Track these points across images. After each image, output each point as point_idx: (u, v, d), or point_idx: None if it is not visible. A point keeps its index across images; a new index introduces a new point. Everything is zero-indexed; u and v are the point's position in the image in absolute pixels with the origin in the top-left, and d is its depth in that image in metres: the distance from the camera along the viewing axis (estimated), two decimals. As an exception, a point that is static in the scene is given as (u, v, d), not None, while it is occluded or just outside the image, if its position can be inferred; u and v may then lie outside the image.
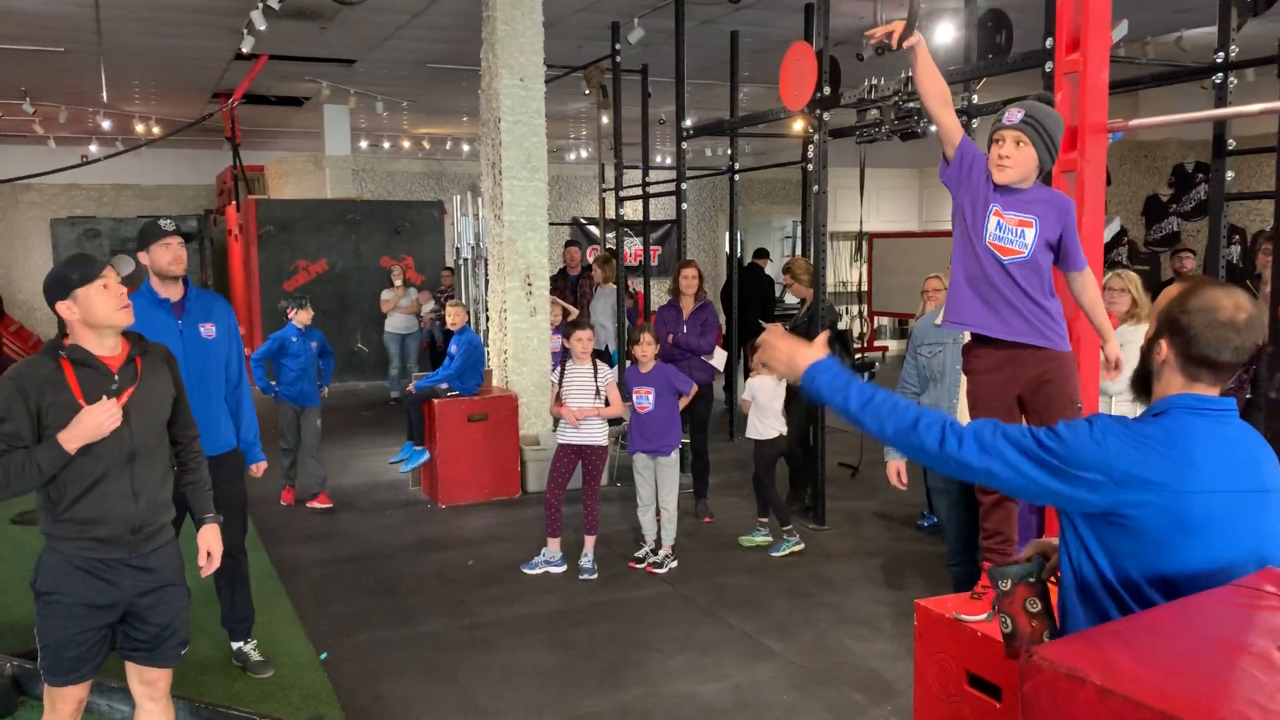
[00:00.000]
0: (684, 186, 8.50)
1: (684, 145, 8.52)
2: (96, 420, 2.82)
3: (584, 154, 18.86)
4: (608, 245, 11.41)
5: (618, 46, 8.94)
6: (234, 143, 13.43)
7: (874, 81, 6.14)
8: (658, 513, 6.12)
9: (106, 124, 14.79)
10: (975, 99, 6.45)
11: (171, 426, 3.15)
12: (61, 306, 2.90)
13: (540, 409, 8.08)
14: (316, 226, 13.89)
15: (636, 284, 11.55)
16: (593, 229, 16.29)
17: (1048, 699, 1.62)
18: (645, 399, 5.98)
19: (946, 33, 9.18)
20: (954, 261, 3.33)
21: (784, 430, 6.45)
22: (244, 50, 9.85)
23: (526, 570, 5.98)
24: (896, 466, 4.73)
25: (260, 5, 8.30)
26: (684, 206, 8.49)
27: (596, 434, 6.01)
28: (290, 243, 13.80)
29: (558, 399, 6.03)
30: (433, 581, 5.90)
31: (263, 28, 8.49)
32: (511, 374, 8.05)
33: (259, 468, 4.70)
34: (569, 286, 10.60)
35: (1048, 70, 4.49)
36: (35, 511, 7.33)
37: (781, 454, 6.61)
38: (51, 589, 2.94)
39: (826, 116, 6.47)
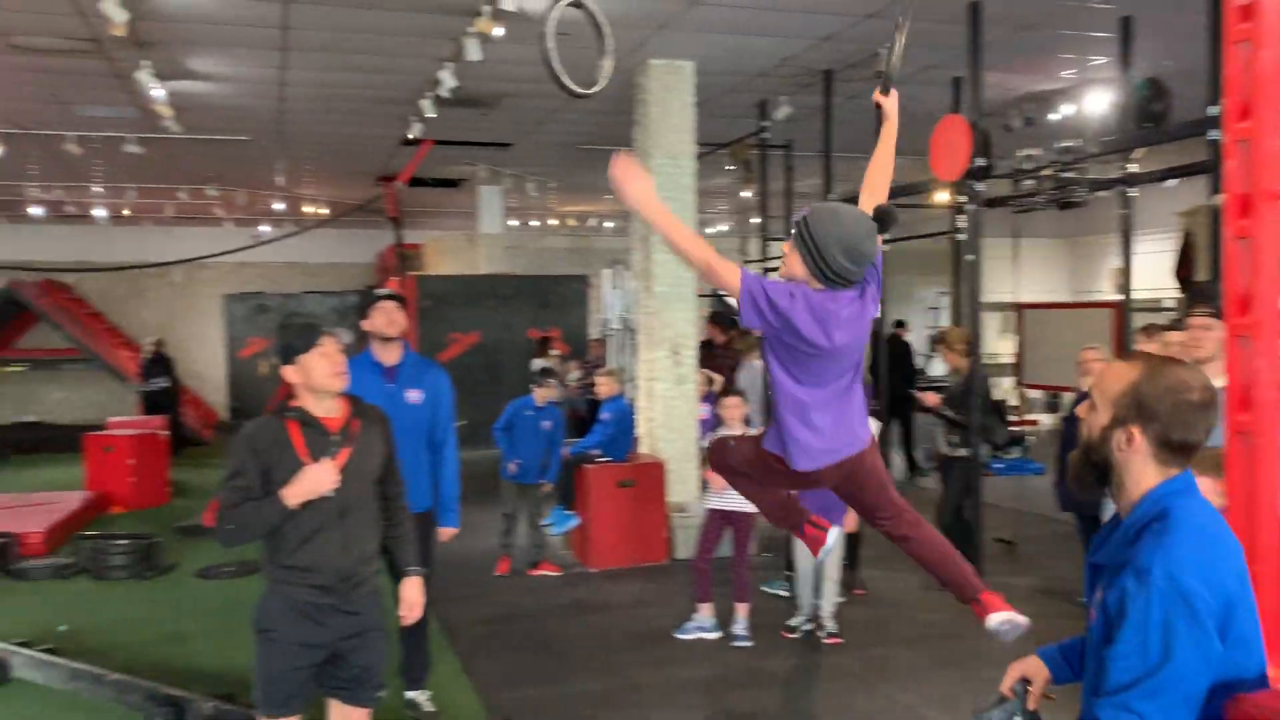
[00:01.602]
0: (832, 258, 8.59)
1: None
2: (316, 479, 3.10)
3: (724, 227, 19.16)
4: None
5: (765, 124, 9.18)
6: (397, 223, 14.21)
7: (1030, 152, 6.16)
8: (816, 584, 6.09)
9: (279, 206, 15.87)
10: (1134, 168, 6.39)
11: (382, 483, 3.40)
12: (288, 370, 3.20)
13: (687, 476, 8.20)
14: (470, 300, 14.51)
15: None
16: (732, 301, 16.47)
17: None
18: None
19: (1101, 101, 9.09)
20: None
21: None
22: (411, 136, 10.53)
23: (679, 635, 6.05)
24: None
25: (430, 95, 8.89)
26: (831, 278, 8.56)
27: (743, 500, 6.06)
28: (446, 316, 14.44)
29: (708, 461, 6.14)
30: (587, 642, 6.03)
31: (431, 115, 9.07)
32: (659, 441, 8.21)
33: (447, 533, 4.81)
34: (712, 357, 10.75)
35: (1212, 138, 4.45)
36: (218, 567, 7.79)
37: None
38: (270, 627, 3.20)
39: (980, 187, 6.51)
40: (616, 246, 17.10)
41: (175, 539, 8.72)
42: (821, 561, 5.98)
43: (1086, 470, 1.97)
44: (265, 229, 18.51)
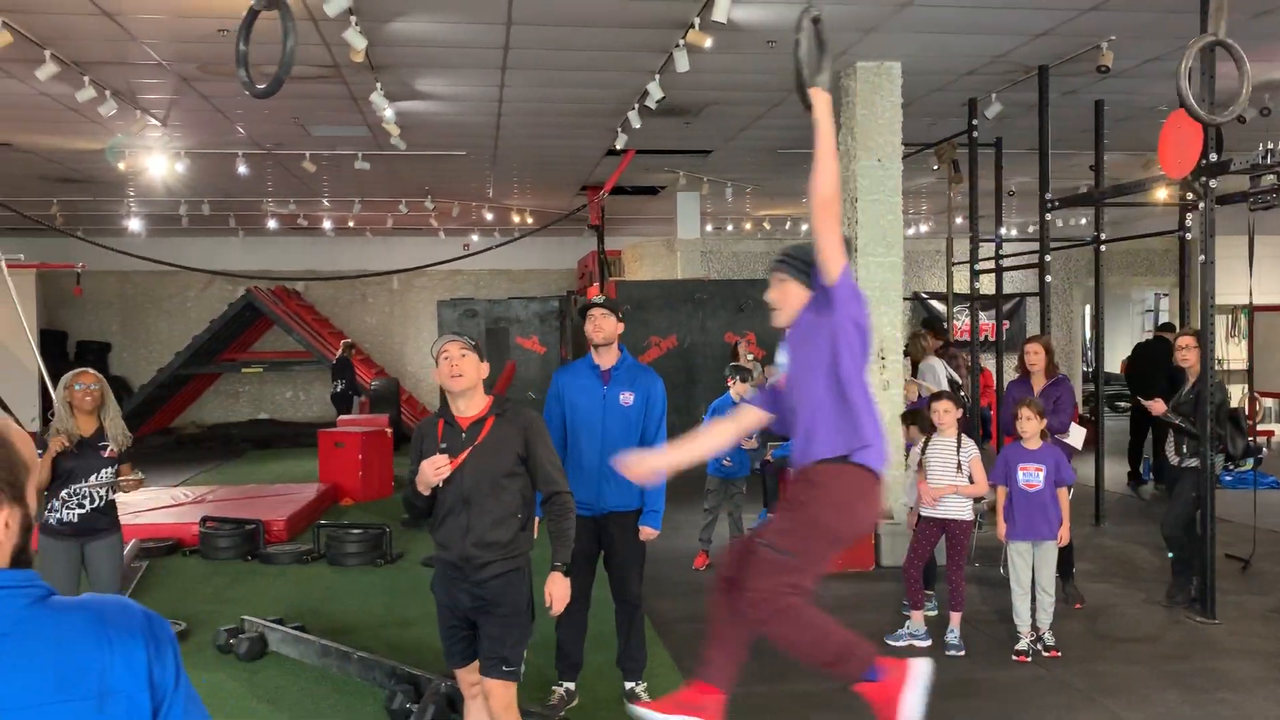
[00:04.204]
0: (1047, 259, 8.31)
1: (1047, 217, 8.34)
2: (427, 471, 3.56)
3: (923, 228, 18.72)
4: (949, 319, 11.30)
5: (975, 122, 8.96)
6: (599, 230, 14.65)
7: (1270, 145, 5.79)
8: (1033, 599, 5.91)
9: (489, 216, 16.64)
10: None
11: (534, 482, 3.71)
12: (435, 372, 3.71)
13: (892, 483, 8.09)
14: (668, 305, 14.77)
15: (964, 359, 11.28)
16: (933, 303, 16.08)
17: None
18: (1034, 476, 5.78)
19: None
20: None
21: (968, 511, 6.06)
22: (616, 147, 10.84)
23: (890, 642, 6.01)
24: None
25: (636, 106, 9.15)
26: (1047, 279, 8.28)
27: (960, 508, 5.98)
28: (644, 320, 14.75)
29: (919, 469, 6.08)
30: (797, 645, 6.07)
31: (637, 126, 9.33)
32: (865, 447, 8.13)
33: (648, 533, 4.99)
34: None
35: None
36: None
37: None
38: (434, 588, 3.77)
39: (1214, 183, 6.16)
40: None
41: (399, 530, 9.32)
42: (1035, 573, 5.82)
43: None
44: (475, 238, 19.44)
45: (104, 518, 5.20)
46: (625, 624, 5.06)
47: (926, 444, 6.06)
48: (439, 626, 3.79)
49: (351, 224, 17.33)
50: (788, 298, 3.20)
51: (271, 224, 16.87)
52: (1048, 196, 8.26)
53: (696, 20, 6.79)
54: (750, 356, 12.45)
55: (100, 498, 5.17)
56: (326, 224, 17.48)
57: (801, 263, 3.25)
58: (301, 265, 19.20)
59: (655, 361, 14.45)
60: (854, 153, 8.15)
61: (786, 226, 18.50)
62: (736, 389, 7.86)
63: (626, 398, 4.84)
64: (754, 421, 3.47)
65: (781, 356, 3.29)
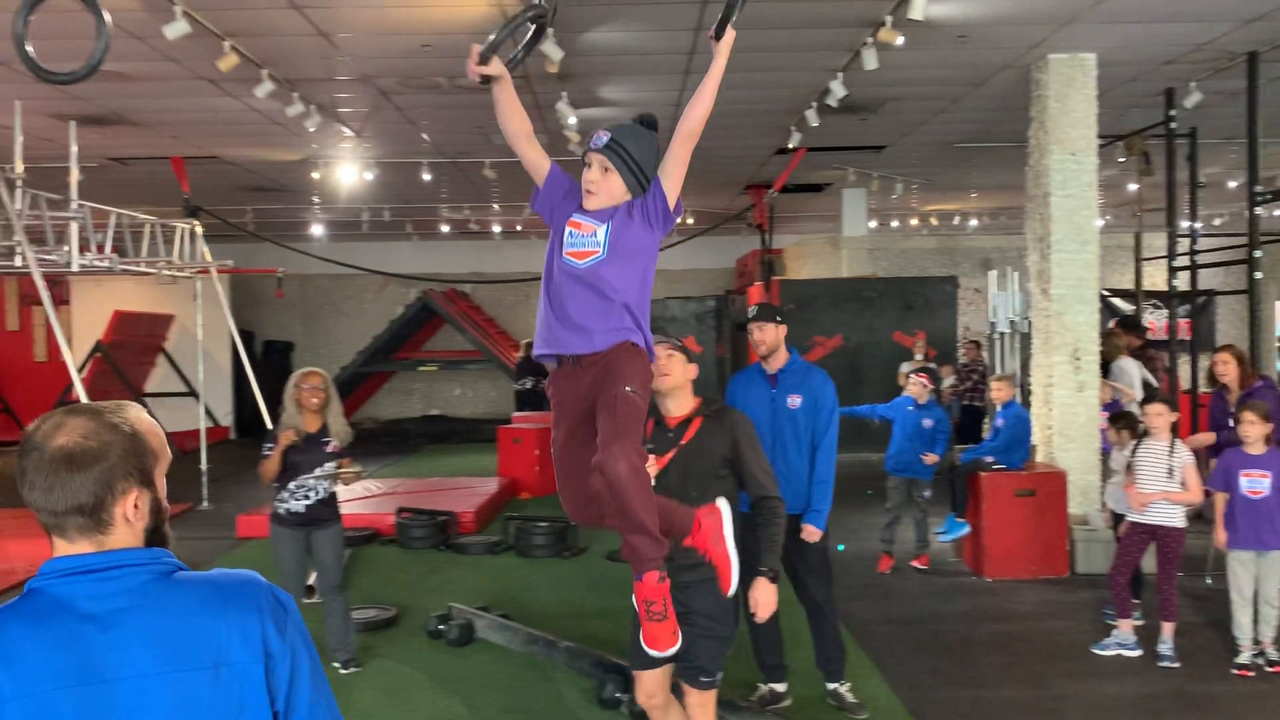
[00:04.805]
0: (1258, 254, 7.90)
1: (1257, 210, 7.93)
2: None
3: (1108, 218, 17.97)
4: (1138, 317, 10.82)
5: (1172, 112, 8.59)
6: (763, 229, 14.65)
7: None
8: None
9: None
10: None
11: (742, 485, 3.69)
12: None
13: (1088, 488, 7.86)
14: (833, 304, 14.65)
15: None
16: (1116, 301, 15.43)
17: None
18: (1260, 483, 5.51)
19: None
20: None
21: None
22: (789, 145, 10.84)
23: (1097, 650, 5.84)
24: None
25: (814, 104, 9.14)
26: (1257, 275, 7.88)
27: (1172, 515, 5.75)
28: (808, 319, 14.67)
29: (1128, 472, 5.88)
30: (997, 650, 5.98)
31: (815, 124, 9.31)
32: (1057, 450, 7.93)
33: (809, 530, 4.90)
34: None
35: None
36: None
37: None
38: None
39: None
40: (986, 245, 16.59)
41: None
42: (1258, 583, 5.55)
43: None
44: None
45: (326, 508, 5.55)
46: (816, 627, 5.10)
47: (1137, 447, 5.86)
48: (633, 626, 3.68)
49: (519, 227, 17.84)
50: (610, 187, 2.91)
51: (444, 228, 17.53)
52: (1257, 189, 7.85)
53: (889, 18, 6.75)
54: (921, 357, 12.26)
55: (323, 490, 5.51)
56: (495, 227, 18.04)
57: (632, 160, 2.92)
58: (469, 267, 19.87)
59: (820, 361, 14.35)
60: (1046, 147, 7.93)
61: (954, 221, 18.09)
62: (916, 389, 7.77)
63: (794, 401, 4.88)
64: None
65: (568, 236, 2.96)
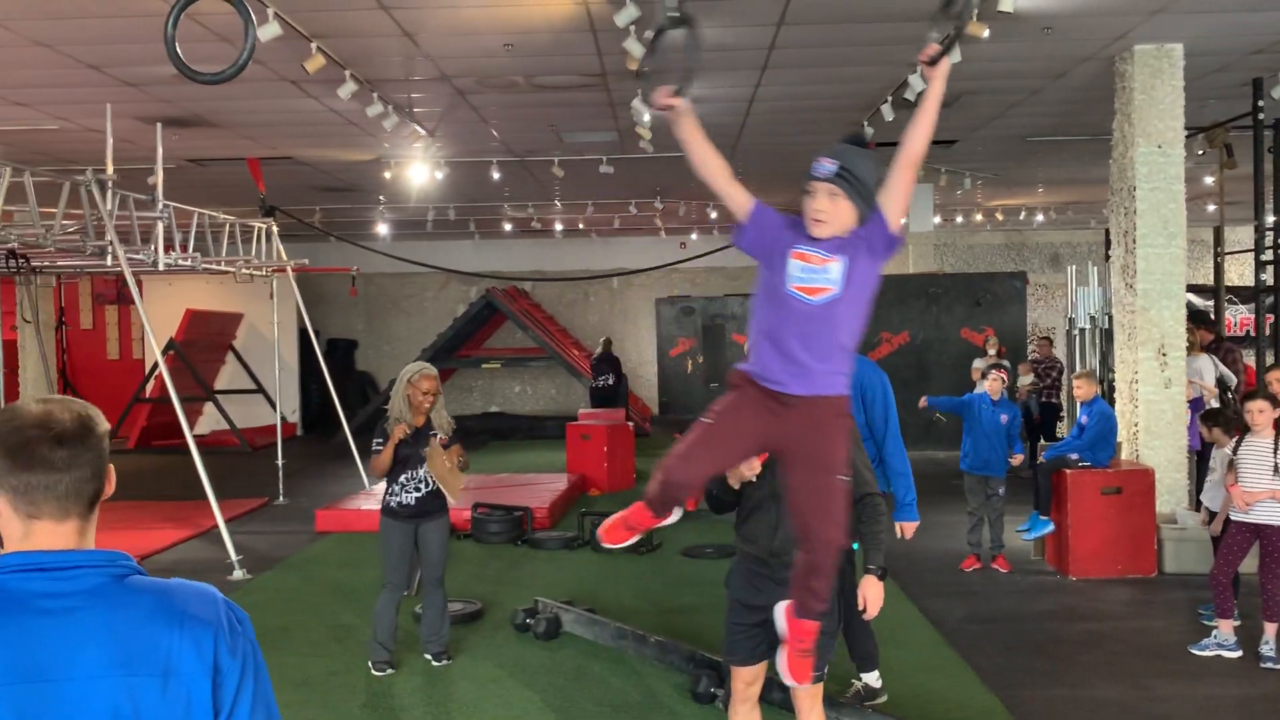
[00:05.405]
0: (1354, 249, 7.70)
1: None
2: (741, 466, 3.60)
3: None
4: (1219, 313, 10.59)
5: (1260, 103, 8.41)
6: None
7: None
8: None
9: (713, 214, 16.82)
10: None
11: None
12: None
13: (1175, 485, 7.72)
14: (899, 300, 14.53)
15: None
16: (1190, 296, 15.09)
17: None
18: None
19: None
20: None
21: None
22: (861, 140, 10.75)
23: (1195, 651, 5.74)
24: None
25: (889, 98, 9.07)
26: (1351, 271, 7.68)
27: (1276, 513, 5.63)
28: (875, 316, 14.41)
29: (1229, 470, 5.77)
30: (1090, 649, 5.90)
31: (890, 119, 9.24)
32: (1143, 448, 7.80)
33: (904, 527, 4.89)
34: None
35: None
36: (699, 548, 8.37)
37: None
38: (729, 584, 3.78)
39: None
40: (1055, 240, 16.36)
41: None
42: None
43: None
44: (693, 236, 19.71)
45: (434, 500, 5.63)
46: (848, 620, 5.02)
47: (1239, 445, 5.75)
48: (728, 620, 3.76)
49: (581, 225, 17.90)
50: (839, 215, 2.83)
51: (506, 226, 17.65)
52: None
53: (975, 10, 6.67)
54: (994, 353, 12.12)
55: (432, 482, 5.59)
56: (558, 226, 18.13)
57: (861, 184, 2.84)
58: (529, 266, 20.00)
59: (886, 358, 14.25)
60: (1131, 139, 7.81)
61: (1021, 217, 17.84)
62: (992, 385, 7.71)
63: None
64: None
65: (796, 269, 2.87)
